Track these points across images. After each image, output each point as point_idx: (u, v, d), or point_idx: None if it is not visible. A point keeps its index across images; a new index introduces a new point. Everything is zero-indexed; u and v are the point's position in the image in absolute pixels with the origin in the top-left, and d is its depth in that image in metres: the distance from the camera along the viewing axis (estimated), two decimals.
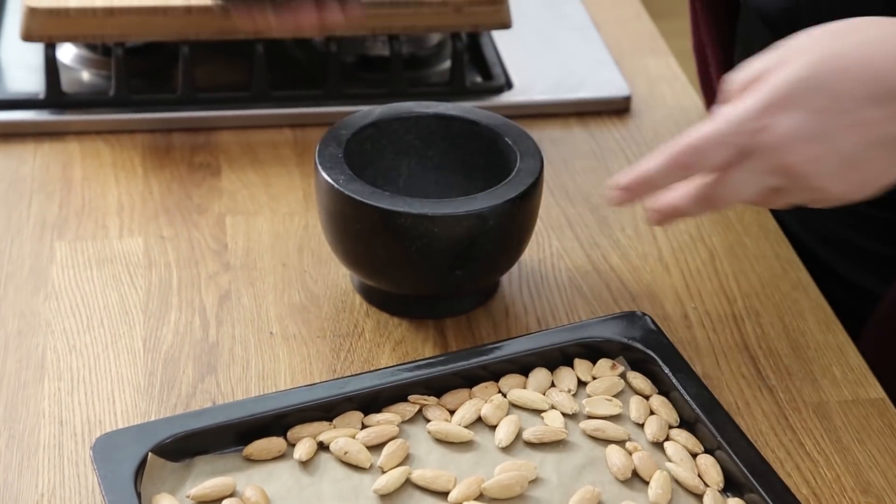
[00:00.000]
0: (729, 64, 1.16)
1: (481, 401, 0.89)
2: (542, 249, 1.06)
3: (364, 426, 0.87)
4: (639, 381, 0.90)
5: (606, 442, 0.86)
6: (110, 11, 1.15)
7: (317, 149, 0.98)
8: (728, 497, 0.83)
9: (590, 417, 0.88)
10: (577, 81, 1.25)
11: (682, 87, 1.28)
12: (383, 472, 0.84)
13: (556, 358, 0.92)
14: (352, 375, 0.90)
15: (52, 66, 1.18)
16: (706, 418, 0.86)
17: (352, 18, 1.10)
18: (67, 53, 1.25)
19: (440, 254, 0.94)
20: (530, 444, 0.86)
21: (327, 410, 0.88)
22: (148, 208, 1.09)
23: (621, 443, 0.86)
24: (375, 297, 1.00)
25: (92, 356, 0.95)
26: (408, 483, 0.84)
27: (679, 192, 0.83)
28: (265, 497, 0.82)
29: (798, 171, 0.79)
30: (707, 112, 1.24)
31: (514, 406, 0.89)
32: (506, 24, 1.21)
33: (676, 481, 0.84)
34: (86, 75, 1.24)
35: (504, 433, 0.86)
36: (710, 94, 1.23)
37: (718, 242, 1.08)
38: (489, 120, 1.02)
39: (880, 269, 1.09)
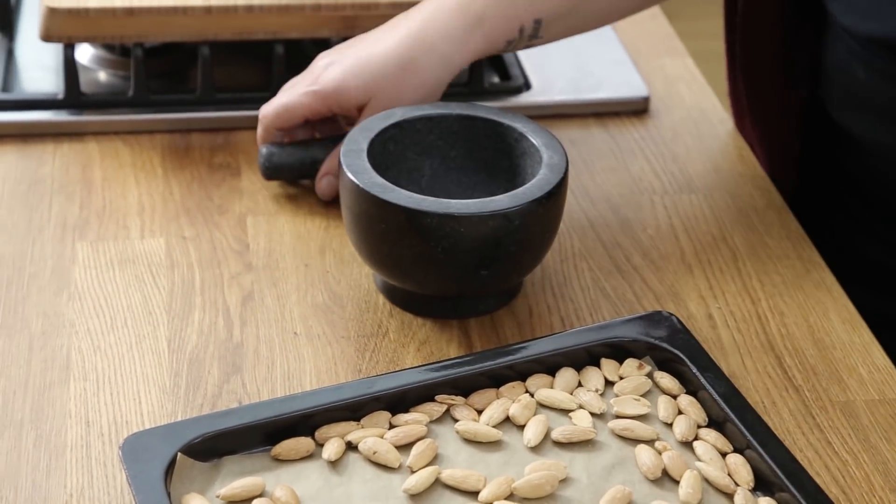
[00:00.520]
0: (789, 80, 1.13)
1: (509, 400, 0.89)
2: (564, 250, 1.06)
3: (392, 426, 0.87)
4: (666, 380, 0.90)
5: (635, 441, 0.86)
6: (130, 11, 1.15)
7: (341, 149, 0.97)
8: (759, 496, 0.83)
9: (618, 417, 0.88)
10: (595, 82, 1.25)
11: (701, 88, 1.27)
12: (412, 472, 0.84)
13: (583, 358, 0.92)
14: (379, 375, 0.89)
15: (71, 67, 1.18)
16: (736, 418, 0.86)
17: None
18: (84, 54, 1.25)
19: (466, 254, 0.94)
20: (559, 444, 0.86)
21: (354, 410, 0.88)
22: (169, 209, 1.09)
23: (650, 442, 0.86)
24: (399, 298, 1.00)
25: (117, 356, 0.95)
26: (437, 483, 0.83)
27: None
28: (295, 497, 0.82)
29: None
30: (736, 127, 1.22)
31: (542, 406, 0.89)
32: None
33: (707, 481, 0.83)
34: (103, 75, 1.24)
35: (533, 433, 0.86)
36: (740, 110, 1.21)
37: (741, 242, 1.08)
38: (512, 120, 1.02)
39: None
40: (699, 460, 0.85)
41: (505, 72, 1.27)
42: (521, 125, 1.01)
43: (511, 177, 1.02)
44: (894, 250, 1.10)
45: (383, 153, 1.00)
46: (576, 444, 0.86)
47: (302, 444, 0.85)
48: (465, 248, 0.94)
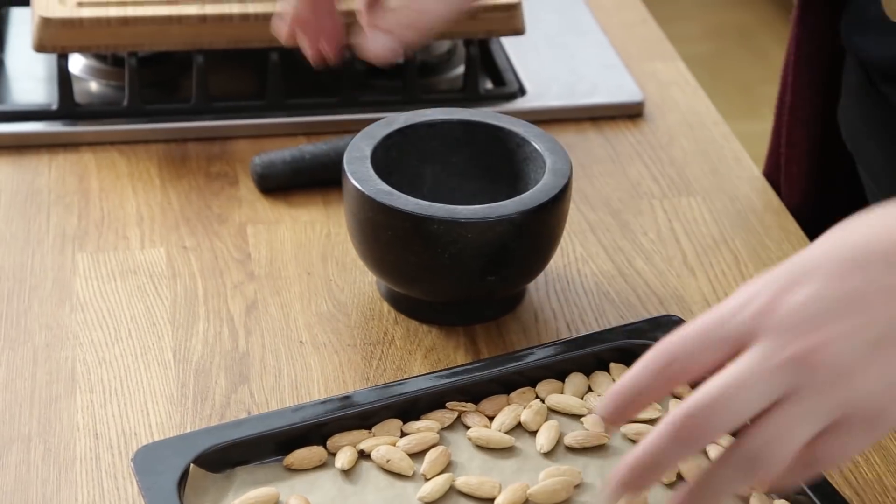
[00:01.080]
0: (826, 111, 1.09)
1: (520, 406, 0.88)
2: (567, 255, 1.06)
3: (403, 434, 0.87)
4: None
5: None
6: (124, 21, 1.15)
7: (345, 156, 0.97)
8: (774, 498, 0.83)
9: (630, 421, 0.88)
10: (589, 87, 1.25)
11: (693, 91, 1.28)
12: (427, 480, 0.84)
13: (592, 363, 0.92)
14: (389, 383, 0.89)
15: (65, 77, 1.17)
16: None
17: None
18: (75, 64, 1.24)
19: (473, 260, 0.94)
20: (572, 450, 0.86)
21: (365, 419, 0.87)
22: (168, 219, 1.08)
23: None
24: (403, 305, 1.00)
25: (122, 368, 0.94)
26: (452, 490, 0.83)
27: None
28: None
29: (819, 357, 0.61)
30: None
31: (553, 411, 0.89)
32: (519, 31, 1.21)
33: None
34: (94, 86, 1.24)
35: (545, 438, 0.86)
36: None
37: (741, 245, 1.08)
38: (514, 125, 1.02)
39: None
40: None
41: (498, 77, 1.27)
42: (522, 130, 1.01)
43: (513, 182, 1.02)
44: None
45: (385, 160, 1.00)
46: (589, 449, 0.86)
47: (314, 453, 0.85)
48: (472, 255, 0.93)
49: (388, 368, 0.95)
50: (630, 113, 1.23)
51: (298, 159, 1.10)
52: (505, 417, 0.87)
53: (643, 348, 0.91)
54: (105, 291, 1.00)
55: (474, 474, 0.84)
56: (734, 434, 0.64)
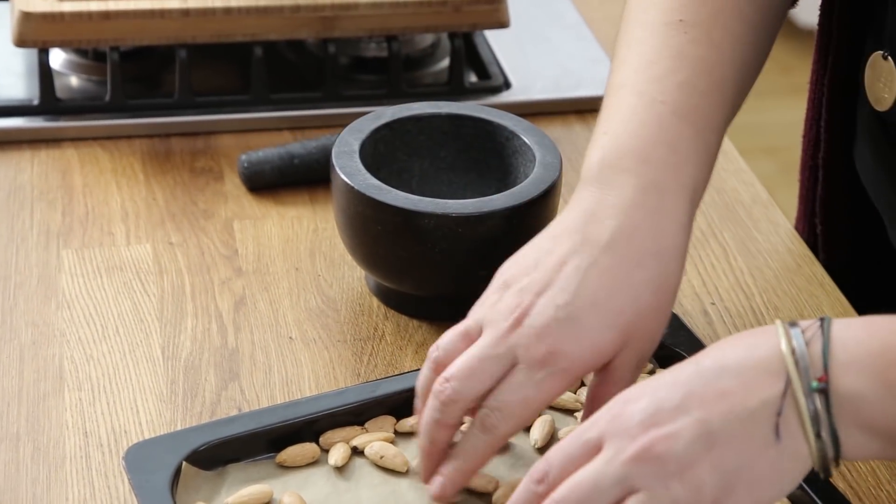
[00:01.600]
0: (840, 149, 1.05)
1: None
2: None
3: (396, 429, 0.86)
4: None
5: None
6: (106, 15, 1.13)
7: (333, 151, 0.96)
8: None
9: None
10: (574, 80, 1.25)
11: None
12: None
13: None
14: (381, 379, 0.89)
15: (46, 72, 1.16)
16: None
17: None
18: (56, 58, 1.23)
19: (464, 254, 0.93)
20: None
21: (358, 415, 0.87)
22: (153, 214, 1.07)
23: None
24: (393, 300, 0.99)
25: (111, 365, 0.93)
26: None
27: None
28: None
29: (658, 451, 0.68)
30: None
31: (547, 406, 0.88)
32: (504, 24, 1.21)
33: None
34: (75, 80, 1.22)
35: (539, 433, 0.86)
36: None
37: (730, 237, 1.08)
38: (502, 119, 1.01)
39: None
40: None
41: (483, 71, 1.26)
42: (511, 124, 1.01)
43: (502, 176, 1.01)
44: None
45: (374, 154, 0.99)
46: None
47: (307, 450, 0.84)
48: (462, 249, 0.93)
49: (380, 364, 0.94)
50: None
51: (287, 163, 1.09)
52: None
53: None
54: (91, 288, 0.99)
55: None
56: None
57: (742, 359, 0.70)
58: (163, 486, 0.80)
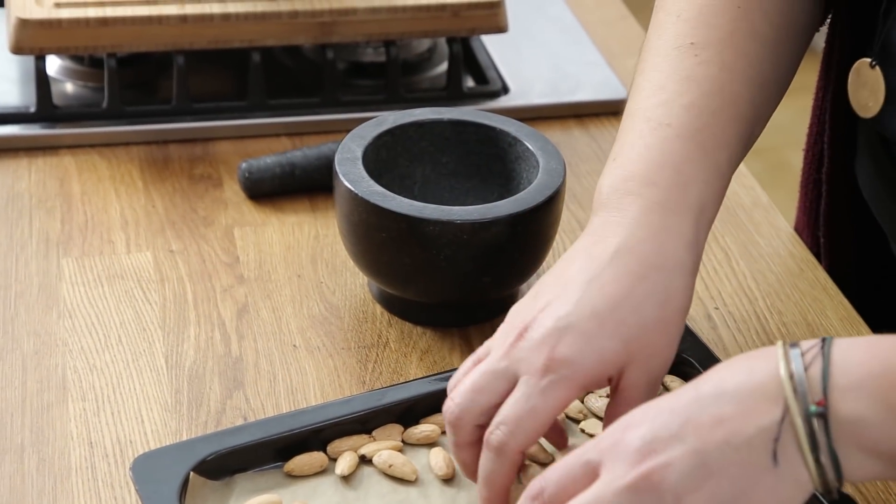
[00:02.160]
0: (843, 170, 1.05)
1: None
2: (558, 254, 1.05)
3: (403, 438, 0.86)
4: (676, 384, 0.90)
5: None
6: (104, 21, 1.13)
7: (335, 157, 0.96)
8: None
9: None
10: (573, 84, 1.24)
11: None
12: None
13: None
14: (388, 387, 0.88)
15: (42, 79, 1.15)
16: None
17: None
18: (51, 65, 1.22)
19: (468, 261, 0.93)
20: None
21: (365, 423, 0.86)
22: (153, 222, 1.06)
23: None
24: (396, 307, 0.99)
25: (114, 375, 0.92)
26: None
27: None
28: None
29: (656, 479, 0.68)
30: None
31: None
32: (503, 28, 1.20)
33: None
34: (70, 87, 1.22)
35: (545, 441, 0.85)
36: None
37: (732, 242, 1.07)
38: (505, 125, 1.01)
39: None
40: None
41: (481, 75, 1.26)
42: (514, 130, 1.01)
43: (505, 182, 1.01)
44: None
45: (376, 161, 0.99)
46: None
47: (315, 459, 0.84)
48: (467, 256, 0.93)
49: (385, 371, 0.94)
50: (614, 110, 1.23)
51: (288, 172, 1.08)
52: None
53: None
54: (93, 297, 0.99)
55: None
56: None
57: (740, 384, 0.69)
58: (171, 497, 0.80)
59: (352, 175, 0.94)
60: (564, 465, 0.72)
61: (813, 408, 0.67)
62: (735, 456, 0.68)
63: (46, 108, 1.16)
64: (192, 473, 0.81)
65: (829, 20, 0.99)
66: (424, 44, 1.27)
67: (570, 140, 1.19)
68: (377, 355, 0.95)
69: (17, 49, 1.13)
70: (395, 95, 1.20)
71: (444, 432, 0.86)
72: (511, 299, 1.00)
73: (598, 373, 0.77)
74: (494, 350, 0.79)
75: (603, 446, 0.71)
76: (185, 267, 1.02)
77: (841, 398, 0.67)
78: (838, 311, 1.01)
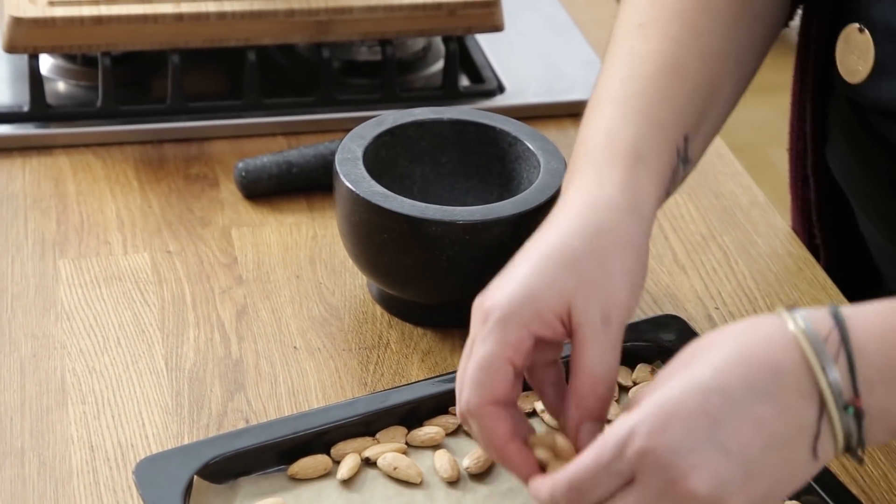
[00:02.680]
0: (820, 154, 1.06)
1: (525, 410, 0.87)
2: None
3: (407, 441, 0.86)
4: None
5: None
6: (98, 20, 1.12)
7: (336, 158, 0.95)
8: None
9: None
10: (568, 83, 1.24)
11: None
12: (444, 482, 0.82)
13: None
14: (391, 389, 0.88)
15: (36, 78, 1.14)
16: None
17: None
18: (44, 64, 1.21)
19: (470, 262, 0.92)
20: None
21: (368, 425, 0.86)
22: (149, 223, 1.06)
23: None
24: (396, 307, 0.98)
25: (114, 377, 0.92)
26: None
27: None
28: None
29: (691, 489, 0.67)
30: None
31: None
32: (498, 27, 1.20)
33: None
34: (63, 86, 1.21)
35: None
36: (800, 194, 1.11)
37: (730, 241, 1.07)
38: (505, 124, 1.01)
39: None
40: None
41: (476, 74, 1.25)
42: (514, 129, 1.00)
43: (505, 182, 1.00)
44: None
45: (375, 160, 0.98)
46: None
47: (319, 461, 0.84)
48: (469, 256, 0.92)
49: (386, 373, 0.93)
50: None
51: (285, 172, 1.08)
52: None
53: (644, 349, 0.91)
54: (90, 299, 0.98)
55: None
56: None
57: (771, 380, 0.68)
58: (175, 501, 0.79)
59: (353, 175, 0.94)
60: (593, 476, 0.69)
61: (850, 409, 0.68)
62: (776, 457, 0.68)
63: (40, 108, 1.15)
64: (195, 477, 0.81)
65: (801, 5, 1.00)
66: (419, 42, 1.27)
67: (565, 139, 1.19)
68: (378, 357, 0.95)
69: (11, 48, 1.13)
70: (390, 94, 1.20)
71: (448, 434, 0.86)
72: None
73: (533, 309, 0.75)
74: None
75: (632, 454, 0.68)
76: (183, 268, 1.01)
77: (869, 392, 0.68)
78: None
